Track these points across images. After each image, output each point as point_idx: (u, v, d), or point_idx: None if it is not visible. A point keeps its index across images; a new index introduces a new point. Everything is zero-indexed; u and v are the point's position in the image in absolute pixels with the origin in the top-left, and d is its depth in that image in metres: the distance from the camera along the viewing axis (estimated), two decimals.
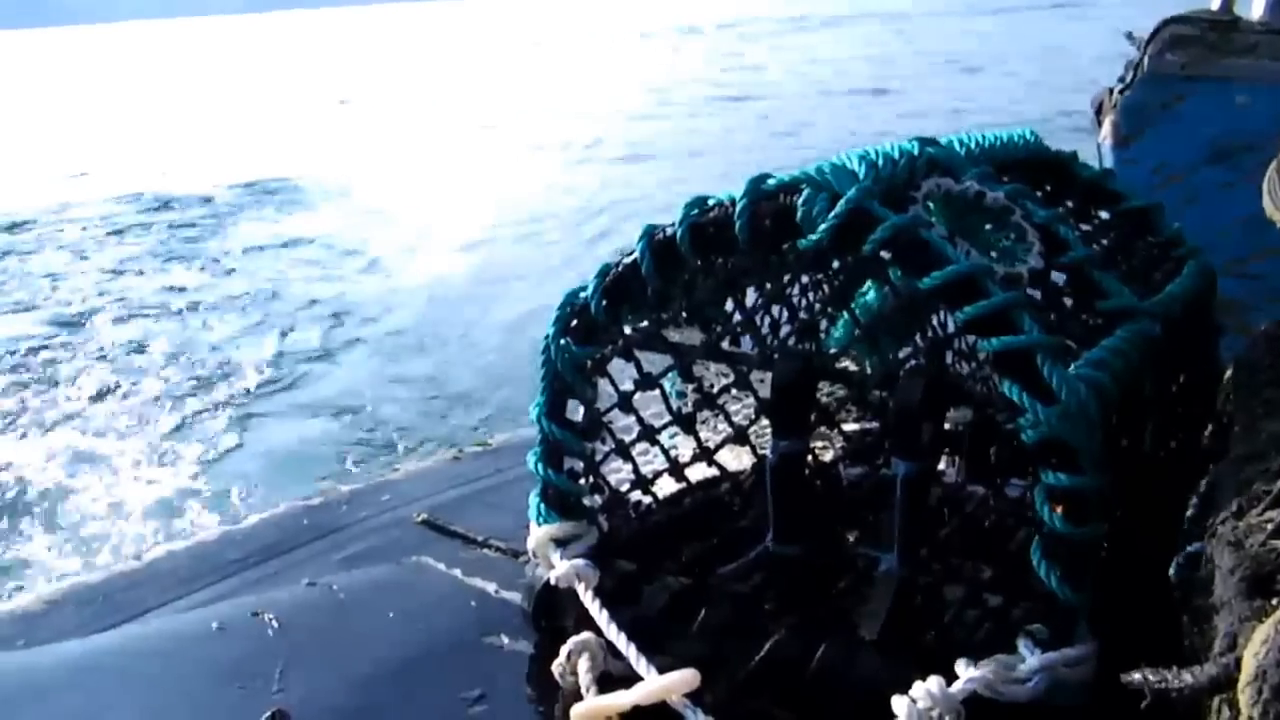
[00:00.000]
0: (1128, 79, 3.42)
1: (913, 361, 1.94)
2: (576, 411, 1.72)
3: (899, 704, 1.27)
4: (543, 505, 1.70)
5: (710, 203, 1.52)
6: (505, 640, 1.78)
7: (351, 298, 12.23)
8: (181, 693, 1.73)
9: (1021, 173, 1.81)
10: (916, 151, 1.56)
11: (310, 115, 29.41)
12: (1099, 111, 3.49)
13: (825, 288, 2.02)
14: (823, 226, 1.38)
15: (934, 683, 1.27)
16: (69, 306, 12.33)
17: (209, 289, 12.99)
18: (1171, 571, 1.39)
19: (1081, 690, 1.32)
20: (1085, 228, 1.88)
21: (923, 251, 1.35)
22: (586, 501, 1.75)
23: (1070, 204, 1.90)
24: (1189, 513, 1.46)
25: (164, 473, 7.93)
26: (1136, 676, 0.99)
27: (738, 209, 1.46)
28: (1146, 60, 3.33)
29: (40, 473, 7.97)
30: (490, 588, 1.92)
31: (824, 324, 2.06)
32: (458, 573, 2.02)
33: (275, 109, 31.36)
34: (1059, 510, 1.30)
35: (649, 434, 1.87)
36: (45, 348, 10.90)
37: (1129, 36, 3.62)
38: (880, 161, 1.49)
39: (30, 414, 9.10)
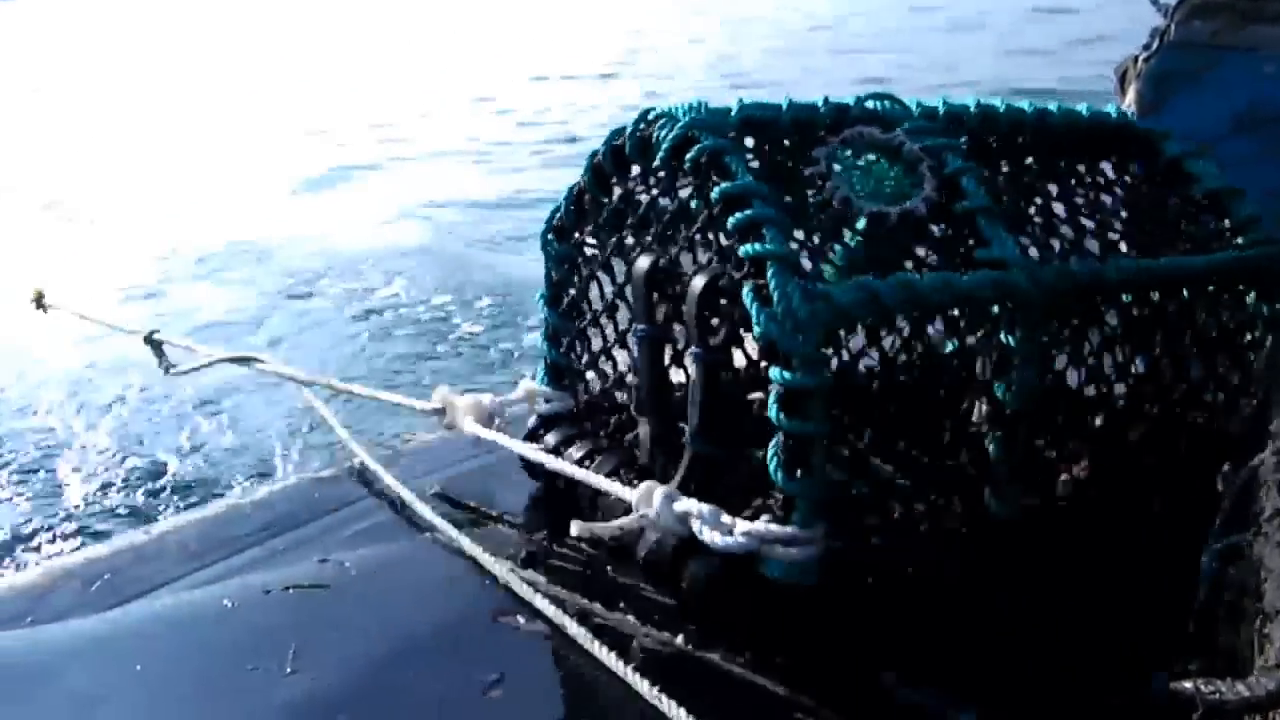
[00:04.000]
0: (1153, 46, 3.34)
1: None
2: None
3: (631, 493, 1.68)
4: (546, 378, 2.16)
5: (651, 115, 1.77)
6: (521, 621, 1.76)
7: None
8: (192, 672, 1.70)
9: (1099, 145, 2.06)
10: (853, 103, 1.85)
11: None
12: (1123, 79, 3.41)
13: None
14: (662, 150, 1.69)
15: (659, 492, 1.62)
16: None
17: None
18: (1204, 561, 1.35)
19: (810, 570, 1.53)
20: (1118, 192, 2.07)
21: (723, 172, 1.60)
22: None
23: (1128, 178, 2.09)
24: (1224, 504, 1.42)
25: None
26: (1188, 686, 0.95)
27: (626, 132, 1.77)
28: (1173, 27, 3.25)
29: None
30: (505, 565, 1.89)
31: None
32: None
33: None
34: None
35: (609, 309, 2.07)
36: None
37: (1154, 2, 3.53)
38: (780, 105, 1.78)
39: None
